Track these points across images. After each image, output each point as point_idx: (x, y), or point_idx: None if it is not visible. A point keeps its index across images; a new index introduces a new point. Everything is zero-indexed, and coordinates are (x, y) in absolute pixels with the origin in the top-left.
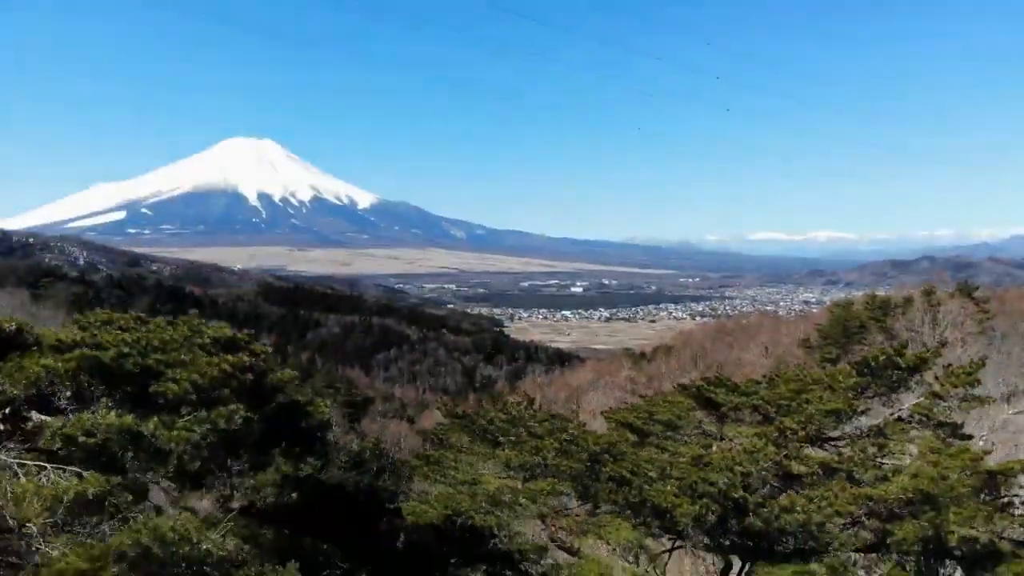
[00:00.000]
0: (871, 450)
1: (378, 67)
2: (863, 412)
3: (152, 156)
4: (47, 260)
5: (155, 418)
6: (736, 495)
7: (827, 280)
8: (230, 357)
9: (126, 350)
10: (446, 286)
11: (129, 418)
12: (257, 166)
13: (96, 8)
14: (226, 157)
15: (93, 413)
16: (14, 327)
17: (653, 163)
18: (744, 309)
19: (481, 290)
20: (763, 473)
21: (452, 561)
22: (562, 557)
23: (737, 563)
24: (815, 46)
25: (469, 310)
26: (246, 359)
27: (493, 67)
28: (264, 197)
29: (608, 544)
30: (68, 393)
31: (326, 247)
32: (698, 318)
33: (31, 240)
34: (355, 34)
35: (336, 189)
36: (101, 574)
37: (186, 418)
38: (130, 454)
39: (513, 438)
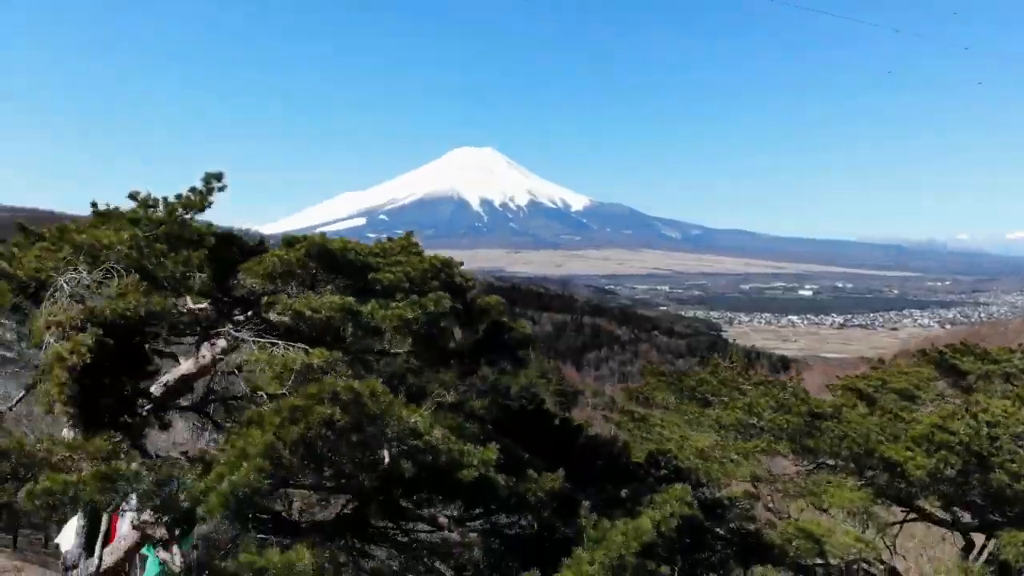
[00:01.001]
0: None
1: (594, 71)
2: None
3: (388, 167)
4: None
5: (372, 300)
6: (979, 447)
7: None
8: (440, 257)
9: (350, 246)
10: (658, 287)
11: (350, 299)
12: (479, 173)
13: (362, 34)
14: (452, 166)
15: (319, 295)
16: (259, 239)
17: (895, 151)
18: (1003, 316)
19: (696, 292)
20: (1015, 439)
21: (649, 482)
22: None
23: (979, 539)
24: None
25: (683, 313)
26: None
27: (708, 58)
28: (485, 203)
29: (828, 511)
30: (296, 282)
31: (541, 249)
32: (948, 326)
33: None
34: (574, 40)
35: (551, 193)
36: (316, 408)
37: (400, 302)
38: (350, 330)
39: (725, 399)
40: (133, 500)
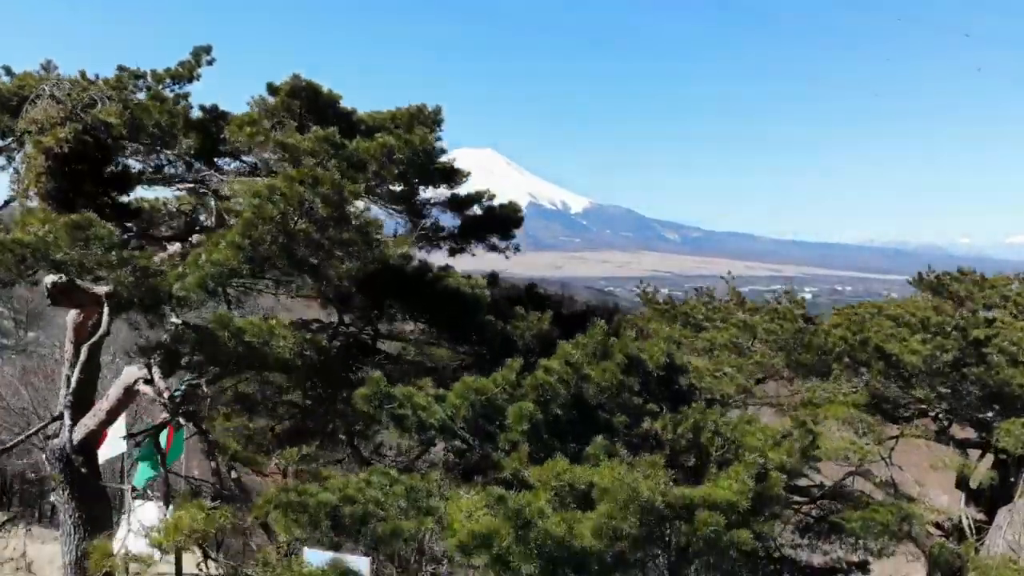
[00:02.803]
0: None
1: (593, 71)
2: None
3: None
4: None
5: (357, 137)
6: (976, 332)
7: None
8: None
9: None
10: (658, 289)
11: (333, 129)
12: (478, 174)
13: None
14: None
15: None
16: None
17: (896, 154)
18: None
19: (694, 294)
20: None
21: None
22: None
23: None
24: None
25: None
26: None
27: (708, 57)
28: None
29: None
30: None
31: (540, 251)
32: None
33: None
34: (573, 40)
35: (551, 195)
36: (295, 187)
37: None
38: (333, 164)
39: (719, 324)
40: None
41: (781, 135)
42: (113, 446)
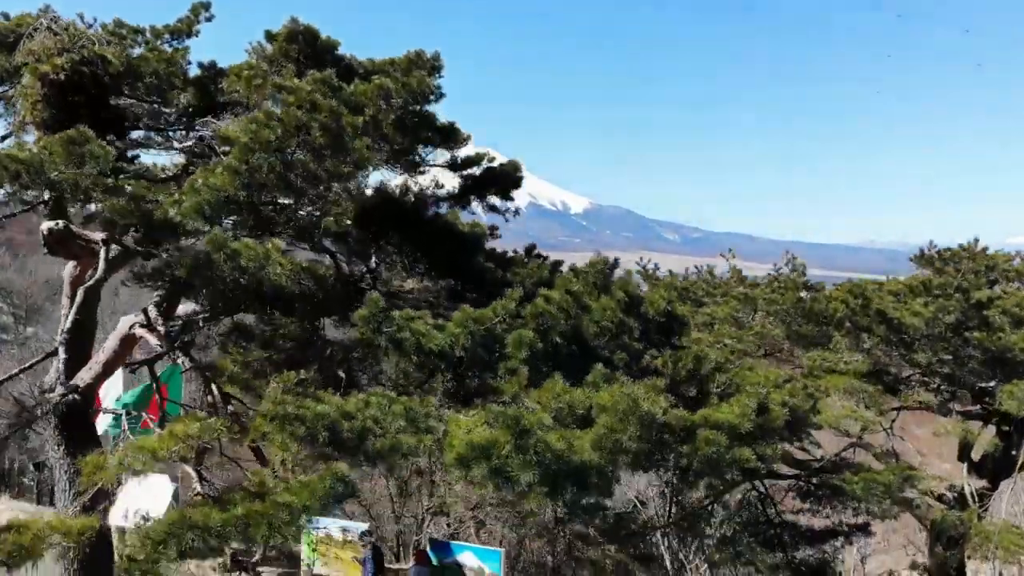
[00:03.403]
0: None
1: (593, 70)
2: None
3: None
4: None
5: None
6: (979, 293)
7: None
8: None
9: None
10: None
11: (330, 72)
12: None
13: None
14: None
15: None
16: None
17: (895, 155)
18: None
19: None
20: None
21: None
22: None
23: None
24: None
25: None
26: None
27: (708, 57)
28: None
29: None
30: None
31: (540, 251)
32: None
33: None
34: (572, 38)
35: (551, 195)
36: (292, 111)
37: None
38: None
39: (719, 299)
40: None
41: (780, 134)
42: (105, 421)
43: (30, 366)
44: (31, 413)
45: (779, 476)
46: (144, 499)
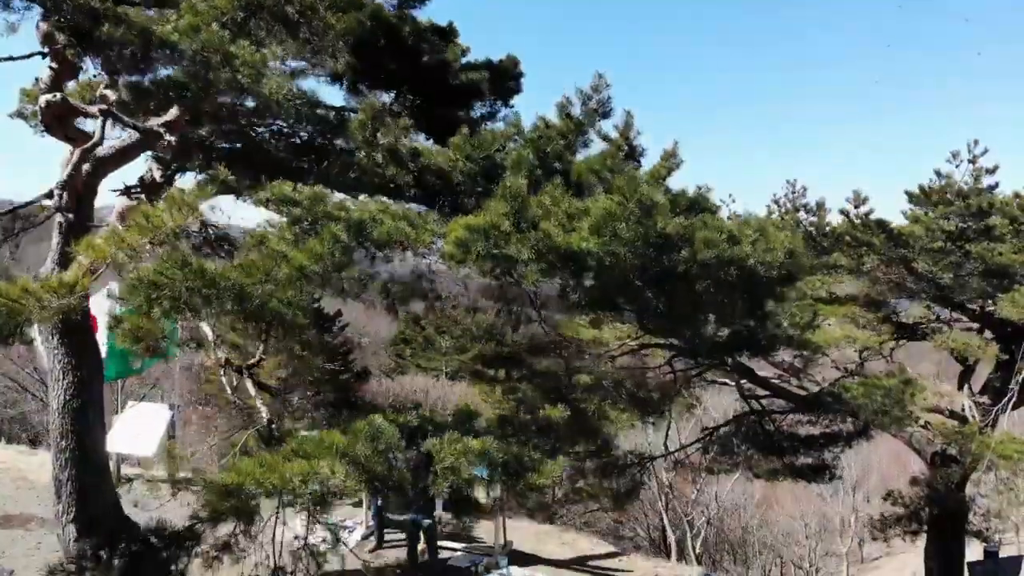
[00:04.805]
0: None
1: (592, 67)
2: None
3: None
4: None
5: None
6: (978, 202)
7: None
8: None
9: None
10: None
11: None
12: None
13: None
14: None
15: None
16: None
17: (896, 146)
18: None
19: None
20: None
21: None
22: None
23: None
24: None
25: None
26: None
27: (708, 56)
28: None
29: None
30: None
31: None
32: None
33: None
34: (571, 38)
35: None
36: None
37: None
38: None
39: None
40: None
41: (780, 133)
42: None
43: (27, 203)
44: (26, 221)
45: (778, 391)
46: (140, 427)
